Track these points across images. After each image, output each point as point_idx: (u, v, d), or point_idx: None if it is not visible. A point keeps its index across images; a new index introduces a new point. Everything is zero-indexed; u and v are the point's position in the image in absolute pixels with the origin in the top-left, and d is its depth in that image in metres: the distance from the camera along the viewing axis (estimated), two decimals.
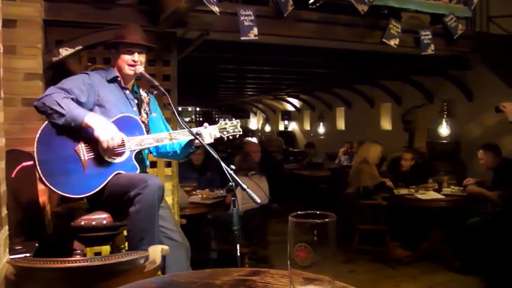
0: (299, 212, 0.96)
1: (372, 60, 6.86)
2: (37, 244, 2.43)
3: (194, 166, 5.75)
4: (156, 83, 2.73)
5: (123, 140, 2.63)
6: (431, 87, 7.89)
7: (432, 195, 5.37)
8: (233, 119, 3.01)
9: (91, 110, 2.66)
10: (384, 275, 5.07)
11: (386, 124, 9.59)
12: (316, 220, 0.93)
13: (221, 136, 2.90)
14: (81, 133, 2.54)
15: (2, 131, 1.96)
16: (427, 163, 6.68)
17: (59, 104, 2.44)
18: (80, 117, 2.47)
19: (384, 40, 4.70)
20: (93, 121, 2.48)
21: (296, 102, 13.99)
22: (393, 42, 4.73)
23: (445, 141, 6.99)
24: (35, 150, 2.45)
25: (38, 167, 2.44)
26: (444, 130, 6.99)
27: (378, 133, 9.20)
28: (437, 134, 7.05)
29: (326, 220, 0.93)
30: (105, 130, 2.48)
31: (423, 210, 5.38)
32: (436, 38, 4.98)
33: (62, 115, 2.44)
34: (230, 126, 2.94)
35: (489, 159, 5.01)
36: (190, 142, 2.85)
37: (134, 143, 2.66)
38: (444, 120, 7.01)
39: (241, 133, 2.99)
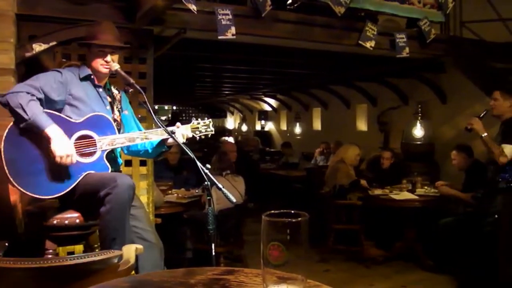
0: (272, 211, 0.96)
1: (349, 62, 6.93)
2: (7, 244, 2.38)
3: (170, 165, 5.72)
4: (132, 81, 2.70)
5: (94, 140, 2.59)
6: (406, 89, 8.02)
7: (406, 195, 5.45)
8: (206, 118, 3.00)
9: (62, 109, 2.62)
10: (358, 274, 5.12)
11: (362, 125, 9.69)
12: (289, 219, 0.94)
13: (193, 135, 2.89)
14: None
15: None
16: (401, 164, 6.77)
17: (23, 108, 2.38)
18: (42, 126, 2.41)
19: (360, 42, 4.76)
20: (53, 134, 2.43)
21: (273, 102, 14.04)
22: (369, 44, 4.79)
23: (419, 143, 7.10)
24: (2, 150, 2.40)
25: (6, 168, 2.39)
26: (418, 131, 7.10)
27: (354, 134, 9.30)
28: (411, 135, 7.15)
29: (299, 219, 0.94)
30: (62, 147, 2.43)
31: (397, 210, 5.45)
32: (411, 41, 5.07)
33: (24, 119, 2.39)
34: (203, 126, 2.92)
35: (461, 159, 5.11)
36: (163, 142, 2.83)
37: (105, 142, 2.62)
38: (418, 122, 7.12)
39: (213, 132, 2.98)
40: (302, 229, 0.94)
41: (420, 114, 7.15)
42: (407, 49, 5.00)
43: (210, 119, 3.00)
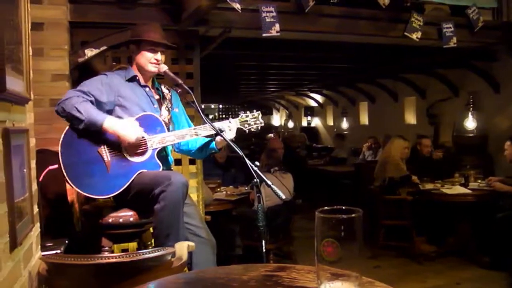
0: (325, 208, 0.96)
1: (395, 54, 6.78)
2: (66, 241, 2.49)
3: (218, 163, 5.78)
4: (180, 81, 2.76)
5: (145, 139, 2.66)
6: (456, 79, 7.77)
7: (458, 189, 5.29)
8: (254, 110, 3.00)
9: (112, 110, 2.70)
10: (410, 271, 5.02)
11: (411, 118, 9.47)
12: (343, 216, 0.94)
13: (242, 129, 2.91)
14: (103, 134, 2.58)
15: (32, 132, 2.01)
16: (453, 157, 6.57)
17: (77, 110, 2.47)
18: (99, 121, 2.49)
19: (406, 33, 4.65)
20: (112, 124, 2.52)
21: (319, 97, 13.93)
22: (415, 36, 4.68)
23: (471, 135, 6.88)
24: (59, 154, 2.50)
25: (63, 171, 2.49)
26: (470, 123, 6.88)
27: (402, 127, 9.10)
28: (463, 127, 6.94)
29: (353, 215, 0.94)
30: (129, 133, 2.52)
31: (450, 204, 5.30)
32: (459, 30, 4.90)
33: (81, 120, 2.47)
34: (251, 119, 2.93)
35: None
36: (211, 142, 2.87)
37: (156, 141, 2.68)
38: (470, 113, 6.90)
39: (262, 124, 2.98)
40: (356, 225, 0.93)
41: (471, 105, 6.93)
42: (454, 39, 4.84)
43: (259, 111, 2.99)
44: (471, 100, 6.95)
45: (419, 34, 4.68)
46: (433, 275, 4.84)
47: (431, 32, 4.90)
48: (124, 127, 2.53)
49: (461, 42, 4.95)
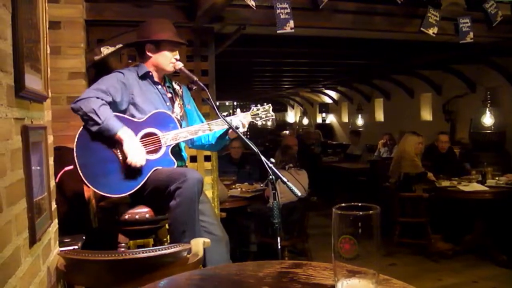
0: (343, 204, 0.96)
1: (411, 50, 6.71)
2: (84, 237, 2.51)
3: (233, 160, 5.80)
4: (196, 78, 2.77)
5: (158, 136, 2.67)
6: (473, 75, 7.68)
7: (475, 187, 5.23)
8: (265, 104, 3.02)
9: (126, 109, 2.71)
10: (425, 269, 4.98)
11: (427, 114, 9.39)
12: (361, 212, 0.93)
13: (254, 122, 2.93)
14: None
15: (50, 129, 2.03)
16: (470, 154, 6.50)
17: (96, 113, 2.47)
18: (114, 129, 2.50)
19: (422, 29, 4.59)
20: (125, 137, 2.52)
21: (333, 94, 13.87)
22: (432, 31, 4.62)
23: (489, 131, 6.79)
24: (75, 154, 2.51)
25: (79, 170, 2.51)
26: (487, 119, 6.79)
27: (418, 124, 9.03)
28: (480, 124, 6.86)
29: (371, 212, 0.93)
30: (133, 151, 2.52)
31: (466, 202, 5.25)
32: (477, 25, 4.82)
33: (98, 123, 2.48)
34: (262, 111, 2.95)
35: None
36: (225, 134, 2.87)
37: (169, 138, 2.69)
38: (487, 109, 6.81)
39: (273, 117, 3.01)
40: (373, 222, 0.93)
41: (489, 101, 6.84)
42: (471, 34, 4.76)
43: (269, 104, 3.01)
44: (489, 96, 6.87)
45: (435, 30, 4.62)
46: (449, 273, 4.79)
47: (448, 28, 4.84)
48: (132, 146, 2.53)
49: (478, 37, 4.88)
